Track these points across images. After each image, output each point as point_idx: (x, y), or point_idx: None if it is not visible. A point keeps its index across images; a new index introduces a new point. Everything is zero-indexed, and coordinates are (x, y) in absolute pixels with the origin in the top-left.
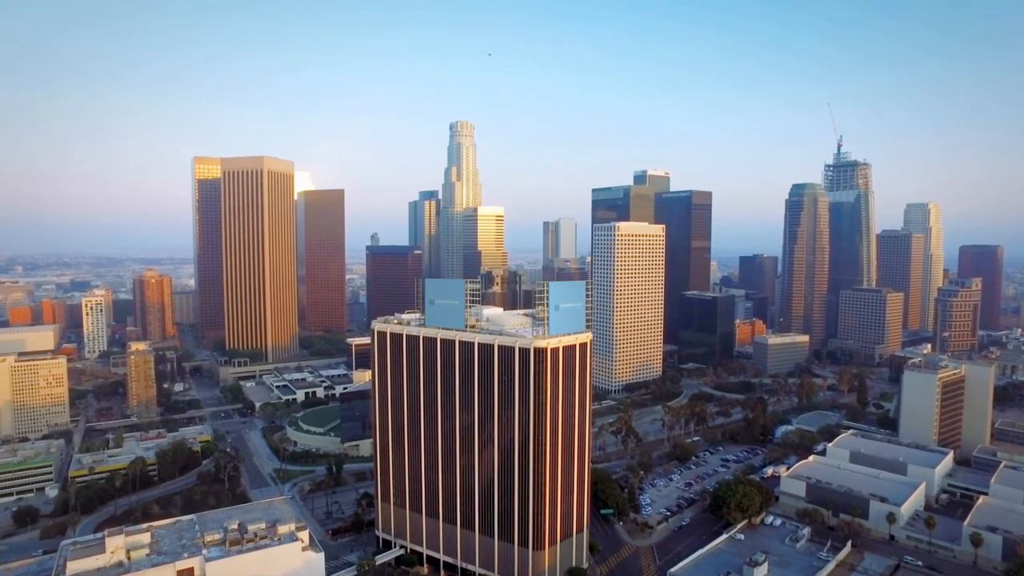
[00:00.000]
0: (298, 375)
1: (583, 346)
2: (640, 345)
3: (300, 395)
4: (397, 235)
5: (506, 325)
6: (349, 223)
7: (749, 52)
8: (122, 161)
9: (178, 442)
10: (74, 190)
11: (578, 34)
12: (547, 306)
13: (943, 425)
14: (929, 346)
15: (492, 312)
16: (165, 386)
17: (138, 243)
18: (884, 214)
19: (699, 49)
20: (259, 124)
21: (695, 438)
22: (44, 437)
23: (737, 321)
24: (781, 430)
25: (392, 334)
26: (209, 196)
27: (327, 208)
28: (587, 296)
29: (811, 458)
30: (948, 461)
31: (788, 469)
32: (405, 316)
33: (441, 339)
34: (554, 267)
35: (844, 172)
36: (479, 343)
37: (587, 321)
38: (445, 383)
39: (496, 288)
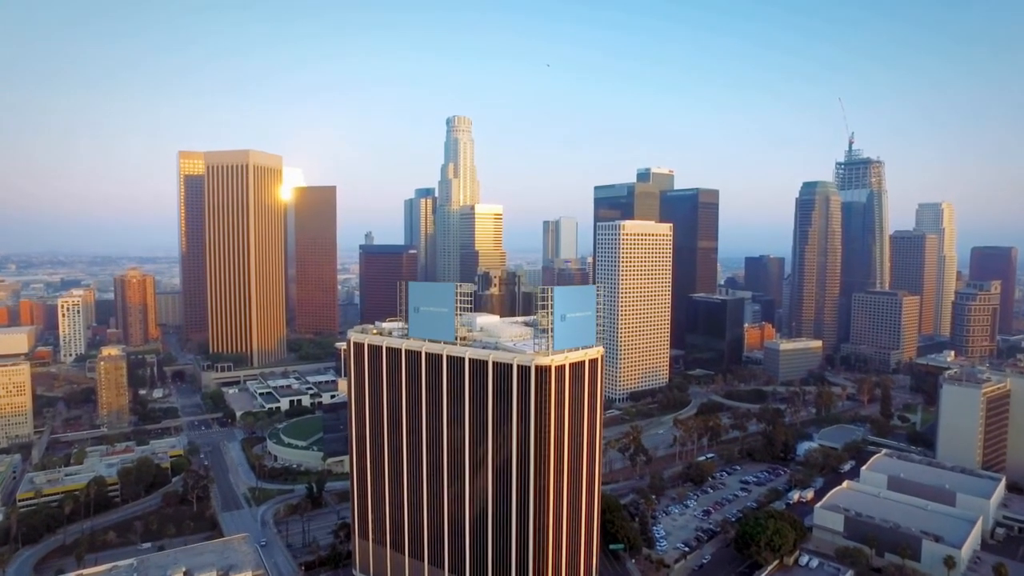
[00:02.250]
0: (283, 381)
1: (593, 363)
2: (646, 351)
3: (284, 403)
4: (393, 234)
5: (503, 337)
6: (345, 222)
7: (749, 53)
8: (121, 160)
9: (144, 458)
10: (73, 188)
11: (578, 34)
12: (551, 316)
13: (987, 445)
14: (953, 353)
15: (486, 321)
16: (143, 392)
17: (135, 242)
18: (891, 215)
19: (699, 50)
20: (257, 122)
21: (709, 455)
22: (0, 451)
23: (745, 325)
24: (803, 447)
25: (371, 346)
26: (194, 192)
27: (318, 205)
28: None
29: (845, 484)
30: (1001, 489)
31: (815, 493)
32: (386, 325)
33: (426, 353)
34: (554, 267)
35: (856, 170)
36: (470, 358)
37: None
38: (431, 405)
39: (494, 290)
